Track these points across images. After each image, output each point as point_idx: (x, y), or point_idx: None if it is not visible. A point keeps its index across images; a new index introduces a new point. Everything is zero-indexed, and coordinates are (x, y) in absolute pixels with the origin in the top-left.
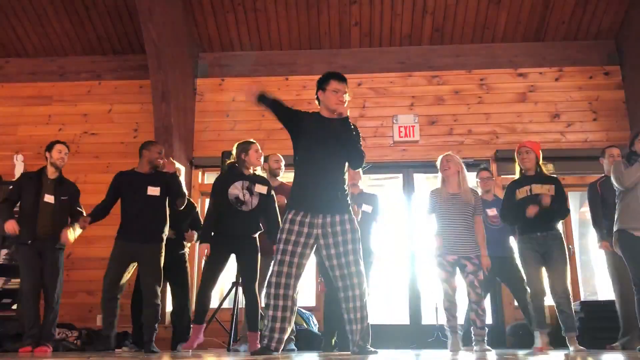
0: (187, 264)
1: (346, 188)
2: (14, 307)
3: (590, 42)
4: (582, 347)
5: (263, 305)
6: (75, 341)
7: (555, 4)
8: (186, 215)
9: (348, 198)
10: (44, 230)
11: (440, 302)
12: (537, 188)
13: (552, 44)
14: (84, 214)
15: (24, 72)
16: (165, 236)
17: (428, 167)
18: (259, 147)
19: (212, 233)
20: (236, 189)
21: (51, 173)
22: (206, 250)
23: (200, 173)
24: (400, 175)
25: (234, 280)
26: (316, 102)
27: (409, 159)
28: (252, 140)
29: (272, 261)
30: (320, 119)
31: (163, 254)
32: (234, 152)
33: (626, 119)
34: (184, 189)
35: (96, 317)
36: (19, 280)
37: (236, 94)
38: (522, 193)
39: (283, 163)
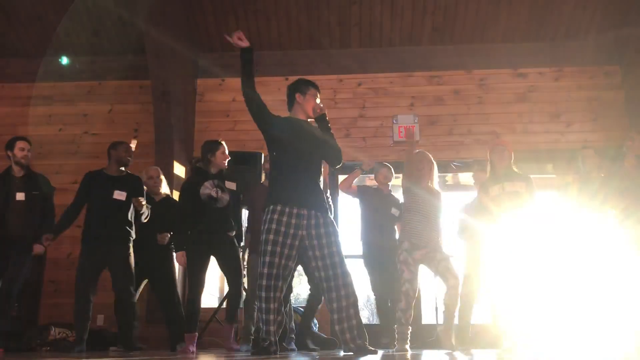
0: (174, 261)
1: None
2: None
3: (590, 42)
4: None
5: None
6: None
7: (555, 4)
8: (167, 214)
9: (329, 200)
10: (14, 230)
11: (439, 301)
12: (508, 185)
13: (552, 44)
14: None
15: (24, 72)
16: (132, 237)
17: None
18: (226, 149)
19: (189, 234)
20: (207, 189)
21: (17, 171)
22: (183, 258)
23: None
24: (401, 175)
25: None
26: (288, 104)
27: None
28: (220, 140)
29: (260, 263)
30: (294, 120)
31: (132, 254)
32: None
33: (626, 119)
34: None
35: (96, 317)
36: None
37: (236, 94)
38: (495, 190)
39: None
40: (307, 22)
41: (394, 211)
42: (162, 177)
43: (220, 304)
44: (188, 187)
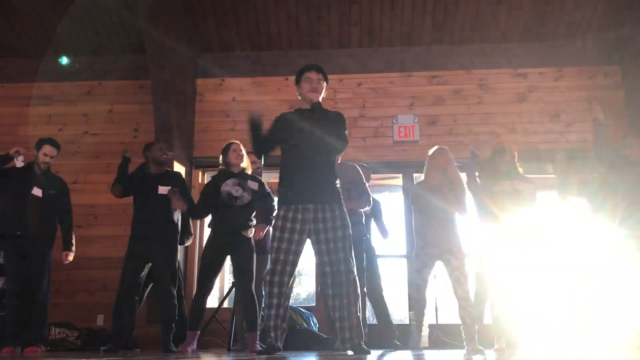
0: (179, 262)
1: (337, 178)
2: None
3: (590, 42)
4: None
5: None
6: (75, 341)
7: (555, 4)
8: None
9: (339, 189)
10: (31, 225)
11: (436, 299)
12: (514, 184)
13: (552, 44)
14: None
15: (24, 72)
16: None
17: None
18: (237, 148)
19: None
20: (227, 186)
21: (37, 168)
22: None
23: (200, 173)
24: (400, 175)
25: (234, 280)
26: (298, 97)
27: (409, 159)
28: (232, 141)
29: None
30: (300, 112)
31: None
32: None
33: (626, 119)
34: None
35: (96, 317)
36: None
37: (236, 94)
38: (502, 187)
39: None
40: (307, 22)
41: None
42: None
43: (220, 304)
44: (210, 186)
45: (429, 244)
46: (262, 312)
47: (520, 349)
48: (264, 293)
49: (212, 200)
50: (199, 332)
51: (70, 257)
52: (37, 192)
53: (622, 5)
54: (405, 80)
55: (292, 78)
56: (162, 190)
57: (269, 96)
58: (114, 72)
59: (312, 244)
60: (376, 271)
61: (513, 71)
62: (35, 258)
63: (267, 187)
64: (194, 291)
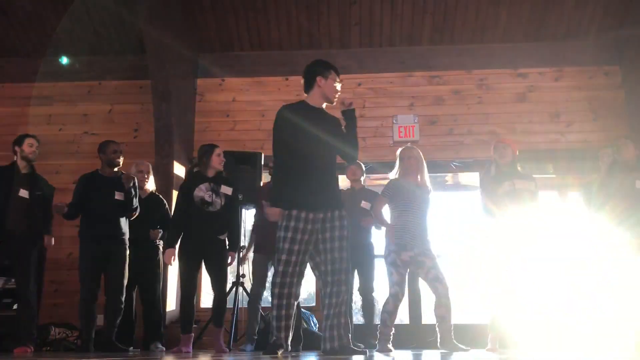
0: (160, 258)
1: (338, 180)
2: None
3: (590, 42)
4: None
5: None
6: (75, 341)
7: (555, 4)
8: (154, 210)
9: (340, 193)
10: (15, 226)
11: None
12: (519, 183)
13: (552, 44)
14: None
15: (24, 72)
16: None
17: (428, 167)
18: (221, 152)
19: (179, 238)
20: (201, 191)
21: (22, 167)
22: (172, 257)
23: None
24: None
25: (234, 280)
26: (305, 86)
27: None
28: (214, 144)
29: (275, 260)
30: (308, 108)
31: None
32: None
33: (626, 119)
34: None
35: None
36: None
37: (236, 94)
38: (503, 187)
39: None
40: (307, 22)
41: (364, 204)
42: (152, 174)
43: None
44: (184, 188)
45: (403, 247)
46: (273, 312)
47: (514, 350)
48: (271, 294)
49: (186, 207)
50: (192, 334)
51: (52, 241)
52: (23, 193)
53: (622, 6)
54: (405, 80)
55: (293, 78)
56: (119, 195)
57: (269, 96)
58: (114, 72)
59: (317, 243)
60: (371, 271)
61: (513, 71)
62: (21, 258)
63: (239, 195)
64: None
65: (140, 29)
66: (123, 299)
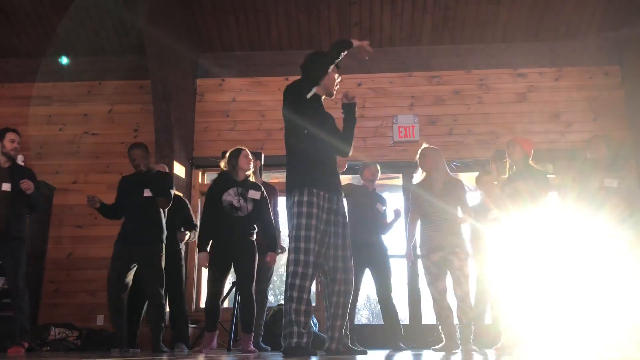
0: (183, 262)
1: None
2: None
3: (590, 42)
4: None
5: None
6: (75, 341)
7: (555, 4)
8: (176, 212)
9: None
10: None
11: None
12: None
13: (552, 44)
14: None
15: (24, 72)
16: (164, 237)
17: None
18: (249, 153)
19: (210, 241)
20: (229, 196)
21: (3, 162)
22: (206, 261)
23: (200, 173)
24: (400, 176)
25: (234, 280)
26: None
27: (409, 159)
28: (241, 147)
29: (293, 238)
30: (319, 99)
31: (163, 255)
32: (225, 161)
33: (626, 119)
34: (169, 189)
35: (96, 317)
36: None
37: (236, 94)
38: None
39: None
40: (307, 22)
41: (379, 206)
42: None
43: (220, 304)
44: (213, 191)
45: (432, 249)
46: (288, 307)
47: (519, 349)
48: (290, 286)
49: (215, 208)
50: (216, 331)
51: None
52: (6, 187)
53: (622, 6)
54: (405, 80)
55: (293, 78)
56: (147, 192)
57: (269, 96)
58: (114, 72)
59: (324, 235)
60: (387, 271)
61: (513, 71)
62: (7, 252)
63: (266, 197)
64: (203, 291)
65: (140, 29)
66: (162, 300)
